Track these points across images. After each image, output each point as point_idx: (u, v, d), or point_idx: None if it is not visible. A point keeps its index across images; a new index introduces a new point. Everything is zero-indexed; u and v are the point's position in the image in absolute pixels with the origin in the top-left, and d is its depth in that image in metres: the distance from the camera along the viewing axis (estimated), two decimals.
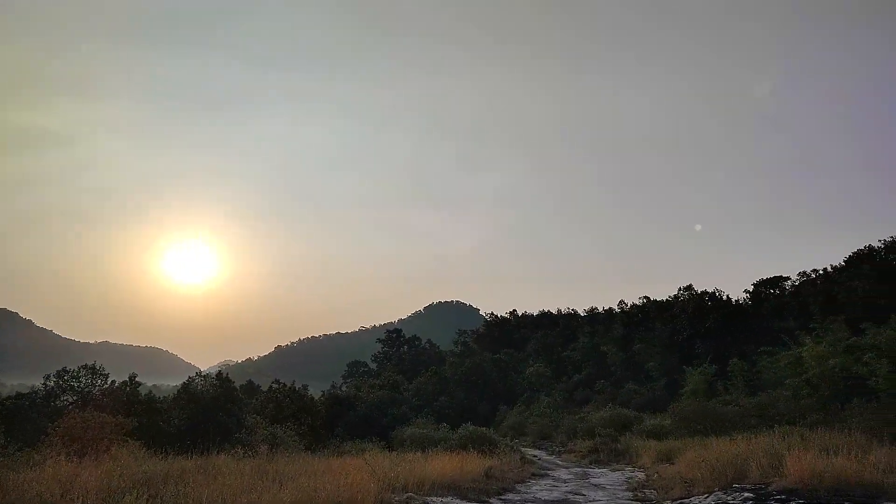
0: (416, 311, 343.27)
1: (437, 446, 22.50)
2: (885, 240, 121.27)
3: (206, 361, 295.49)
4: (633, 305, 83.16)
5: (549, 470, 22.16)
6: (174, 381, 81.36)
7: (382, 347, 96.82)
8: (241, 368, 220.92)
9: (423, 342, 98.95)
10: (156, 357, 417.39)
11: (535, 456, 28.99)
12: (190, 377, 28.25)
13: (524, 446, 34.77)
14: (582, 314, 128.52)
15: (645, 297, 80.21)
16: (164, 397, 28.71)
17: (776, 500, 9.85)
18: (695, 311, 57.83)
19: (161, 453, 16.11)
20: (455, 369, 70.29)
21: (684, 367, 46.99)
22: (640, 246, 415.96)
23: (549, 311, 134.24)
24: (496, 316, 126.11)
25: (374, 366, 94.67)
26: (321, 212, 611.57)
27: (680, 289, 69.37)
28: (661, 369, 55.63)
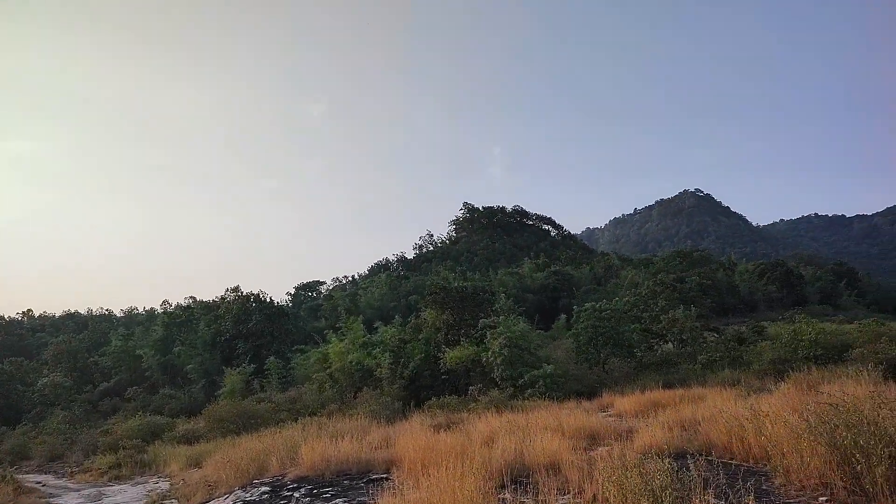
0: None
1: None
2: (397, 254, 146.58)
3: None
4: (178, 305, 79.69)
5: (54, 497, 18.94)
6: None
7: None
8: None
9: None
10: None
11: (39, 483, 24.47)
12: None
13: (26, 472, 29.05)
14: (118, 315, 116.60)
15: (191, 296, 77.97)
16: None
17: (289, 490, 10.66)
18: (239, 311, 58.89)
19: None
20: None
21: (225, 367, 47.34)
22: (191, 244, 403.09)
23: (76, 311, 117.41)
24: (3, 318, 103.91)
25: None
26: None
27: (227, 289, 69.96)
28: (200, 371, 54.57)
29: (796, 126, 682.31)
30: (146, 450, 26.58)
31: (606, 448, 10.33)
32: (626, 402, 17.38)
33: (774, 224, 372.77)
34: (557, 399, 21.94)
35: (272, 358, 46.12)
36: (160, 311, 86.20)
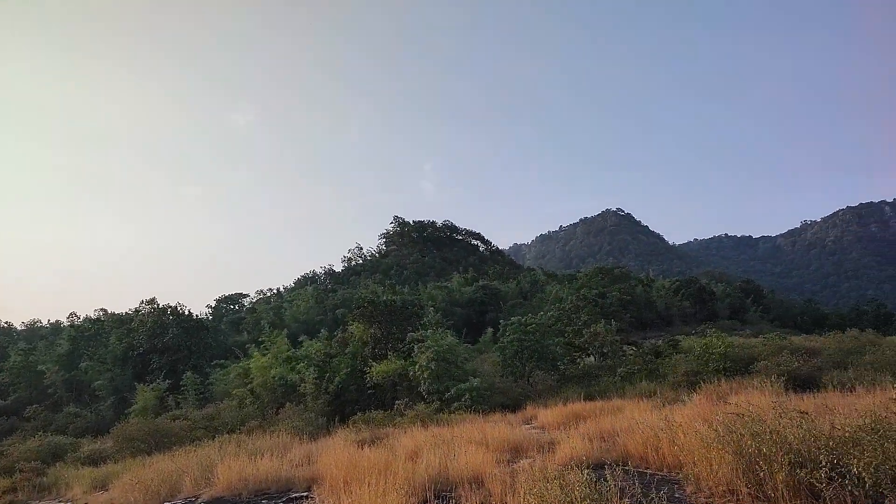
0: None
1: None
2: (324, 267, 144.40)
3: None
4: (87, 318, 75.13)
5: None
6: None
7: None
8: None
9: None
10: None
11: None
12: None
13: None
14: (19, 328, 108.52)
15: (102, 309, 73.81)
16: None
17: None
18: (155, 325, 56.06)
19: None
20: None
21: (137, 383, 44.84)
22: (106, 254, 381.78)
23: None
24: None
25: None
26: None
27: (142, 302, 66.57)
28: (110, 388, 51.40)
29: (710, 153, 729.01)
30: (46, 472, 24.68)
31: (529, 460, 10.47)
32: (549, 415, 17.69)
33: (689, 243, 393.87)
34: (483, 412, 22.08)
35: (189, 373, 44.11)
36: (67, 323, 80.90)
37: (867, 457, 5.89)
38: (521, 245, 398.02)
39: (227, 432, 24.49)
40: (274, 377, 32.12)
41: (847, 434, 6.47)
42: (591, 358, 34.22)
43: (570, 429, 13.99)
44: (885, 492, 5.71)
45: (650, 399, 18.74)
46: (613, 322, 39.45)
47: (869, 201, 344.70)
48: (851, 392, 15.29)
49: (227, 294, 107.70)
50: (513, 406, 24.45)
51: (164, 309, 60.81)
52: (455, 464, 9.86)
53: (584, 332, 35.65)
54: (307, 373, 30.69)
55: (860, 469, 5.79)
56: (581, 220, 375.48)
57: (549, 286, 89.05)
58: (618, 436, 11.10)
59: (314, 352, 34.28)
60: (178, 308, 61.43)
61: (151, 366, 52.52)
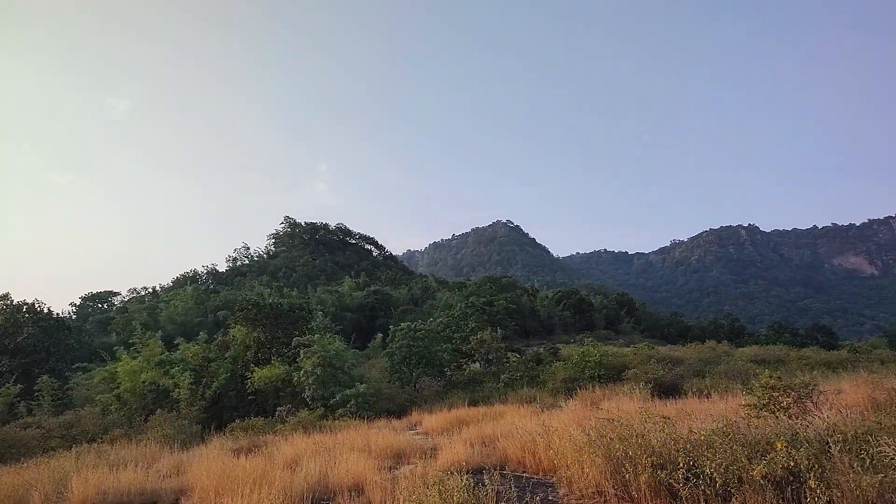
0: None
1: None
2: (207, 266, 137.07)
3: None
4: None
5: None
6: None
7: None
8: None
9: None
10: None
11: None
12: None
13: None
14: None
15: None
16: None
17: None
18: (7, 323, 50.51)
19: None
20: None
21: None
22: None
23: None
24: None
25: None
26: None
27: None
28: None
29: (596, 171, 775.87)
30: None
31: (411, 466, 10.46)
32: (433, 420, 17.83)
33: (571, 256, 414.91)
34: (368, 418, 21.84)
35: (45, 377, 40.04)
36: None
37: (718, 458, 6.43)
38: (414, 252, 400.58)
39: (88, 442, 22.50)
40: (144, 382, 29.93)
41: (702, 437, 7.03)
42: (477, 364, 34.94)
43: (453, 434, 14.17)
44: (733, 490, 6.26)
45: (530, 405, 19.42)
46: (499, 329, 40.57)
47: (728, 224, 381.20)
48: (708, 398, 16.70)
49: (94, 291, 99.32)
50: (399, 412, 24.39)
51: (18, 306, 54.91)
52: (336, 471, 9.66)
53: (471, 338, 36.36)
54: (182, 377, 28.91)
55: (712, 470, 6.31)
56: (473, 229, 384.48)
57: (440, 293, 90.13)
58: (498, 441, 11.37)
59: (191, 355, 32.36)
60: (36, 305, 55.76)
61: (1, 369, 47.25)
